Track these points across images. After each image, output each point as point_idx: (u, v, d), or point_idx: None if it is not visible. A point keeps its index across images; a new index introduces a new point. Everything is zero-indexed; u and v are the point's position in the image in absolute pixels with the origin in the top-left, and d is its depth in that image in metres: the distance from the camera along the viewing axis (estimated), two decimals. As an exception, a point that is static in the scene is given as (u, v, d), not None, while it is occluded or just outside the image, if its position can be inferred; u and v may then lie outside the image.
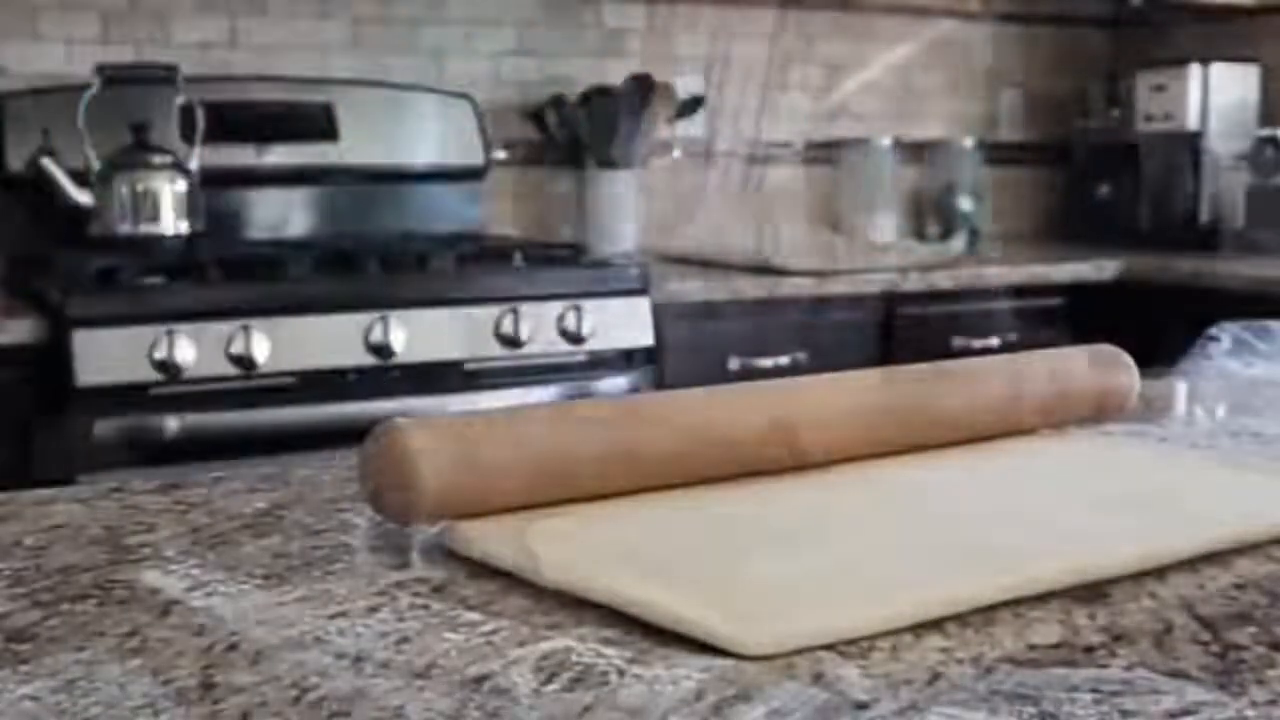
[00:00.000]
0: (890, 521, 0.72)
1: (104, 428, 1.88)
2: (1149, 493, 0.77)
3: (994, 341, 2.56)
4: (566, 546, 0.65)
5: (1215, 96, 3.05)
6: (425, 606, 0.61)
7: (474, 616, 0.60)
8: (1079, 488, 0.79)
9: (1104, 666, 0.55)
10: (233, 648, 0.56)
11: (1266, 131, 2.95)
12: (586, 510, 0.71)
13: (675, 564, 0.64)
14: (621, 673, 0.54)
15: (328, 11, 2.72)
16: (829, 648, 0.56)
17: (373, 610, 0.61)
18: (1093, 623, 0.59)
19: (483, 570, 0.66)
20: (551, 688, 0.52)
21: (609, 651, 0.56)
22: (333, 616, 0.60)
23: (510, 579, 0.65)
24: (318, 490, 0.82)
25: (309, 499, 0.80)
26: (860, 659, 0.55)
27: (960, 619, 0.59)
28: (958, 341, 2.58)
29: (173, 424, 1.96)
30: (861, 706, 0.50)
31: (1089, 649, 0.56)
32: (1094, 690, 0.52)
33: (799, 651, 0.55)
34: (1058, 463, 0.85)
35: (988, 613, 0.60)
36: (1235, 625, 0.59)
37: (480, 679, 0.53)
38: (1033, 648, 0.57)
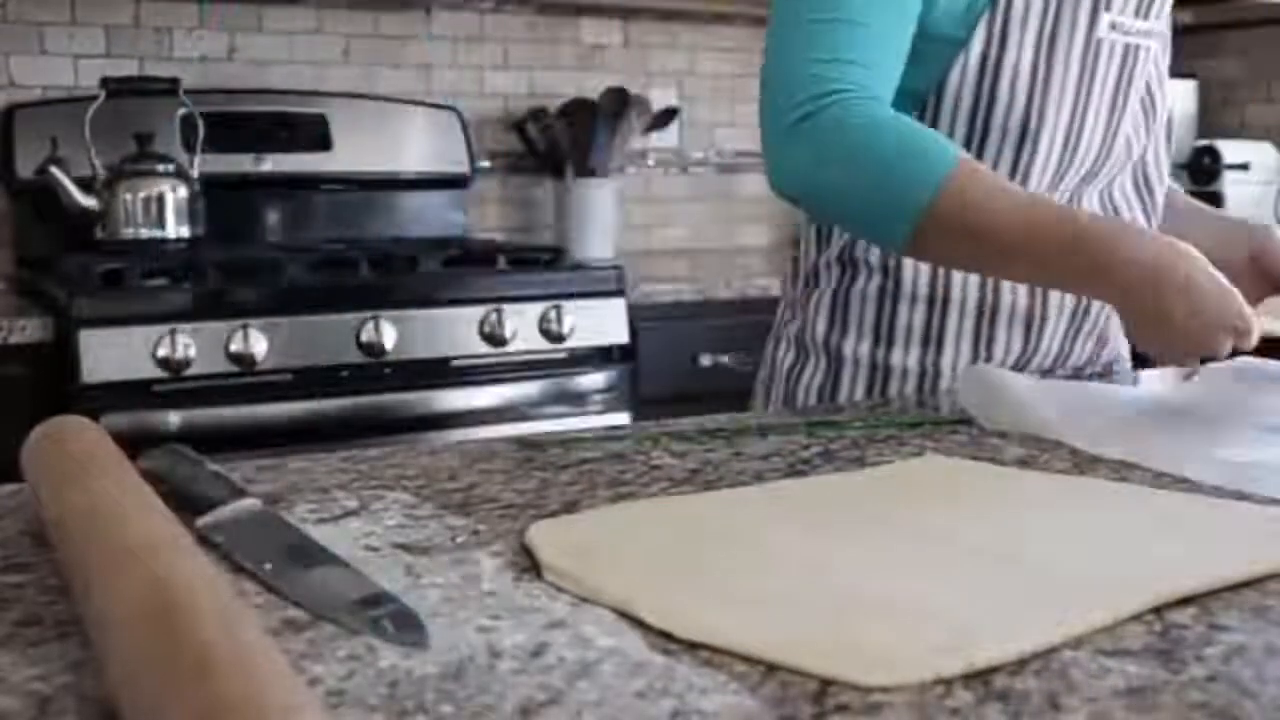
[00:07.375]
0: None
1: (109, 423, 1.86)
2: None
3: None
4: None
5: (1156, 109, 3.07)
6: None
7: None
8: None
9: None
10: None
11: (1203, 142, 2.97)
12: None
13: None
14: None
15: (321, 28, 2.71)
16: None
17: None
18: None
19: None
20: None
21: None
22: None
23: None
24: (313, 480, 0.82)
25: (304, 489, 0.80)
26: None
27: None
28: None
29: (175, 419, 1.95)
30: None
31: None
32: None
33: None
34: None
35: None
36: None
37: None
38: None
